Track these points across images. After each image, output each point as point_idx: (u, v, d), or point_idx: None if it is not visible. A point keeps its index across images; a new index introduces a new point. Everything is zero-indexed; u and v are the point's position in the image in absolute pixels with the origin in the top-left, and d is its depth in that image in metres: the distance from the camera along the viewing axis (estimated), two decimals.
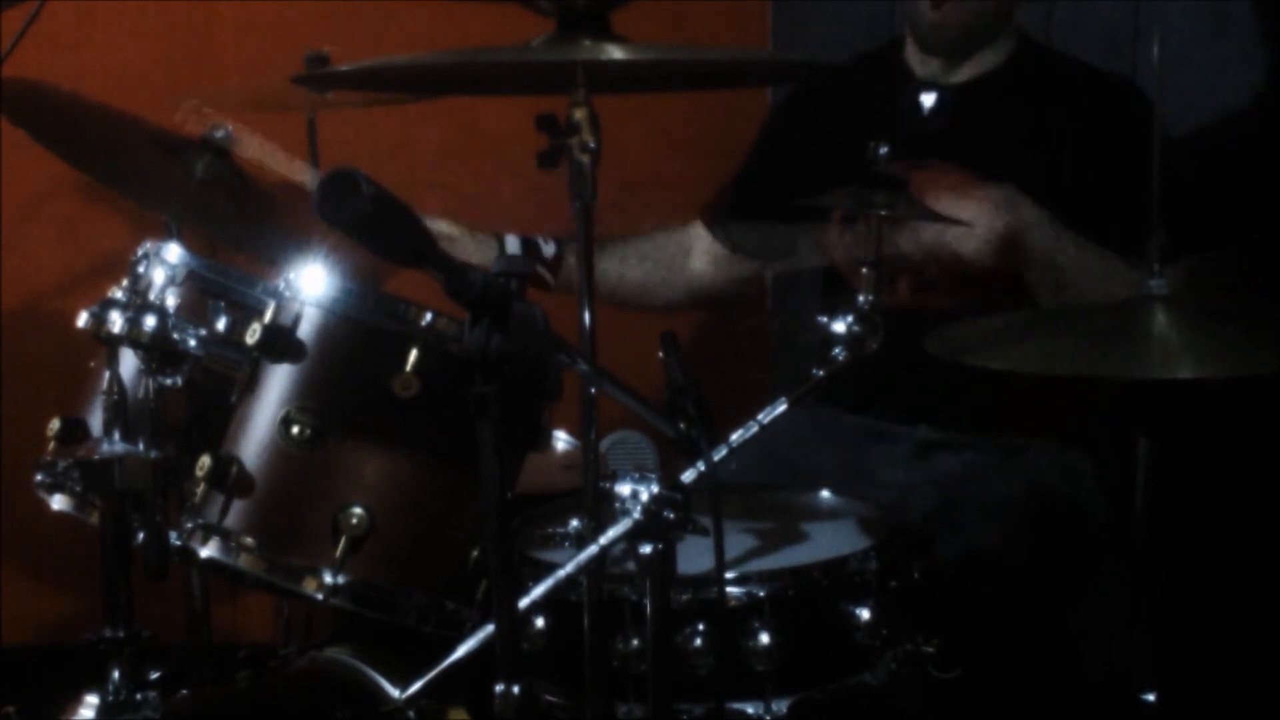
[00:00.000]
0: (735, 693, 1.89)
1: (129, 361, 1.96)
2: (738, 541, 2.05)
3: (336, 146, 2.93)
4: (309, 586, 1.90)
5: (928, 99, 2.58)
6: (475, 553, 1.95)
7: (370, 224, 1.42)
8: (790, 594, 1.92)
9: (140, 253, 2.10)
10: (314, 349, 1.92)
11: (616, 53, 1.68)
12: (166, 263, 2.05)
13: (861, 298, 2.06)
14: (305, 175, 2.51)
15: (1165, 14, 2.88)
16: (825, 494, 2.30)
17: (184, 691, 2.10)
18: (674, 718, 1.79)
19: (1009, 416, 2.46)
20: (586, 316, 1.69)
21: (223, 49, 3.32)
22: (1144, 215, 1.79)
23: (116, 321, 1.94)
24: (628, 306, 2.77)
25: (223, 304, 2.00)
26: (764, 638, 1.88)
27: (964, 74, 2.56)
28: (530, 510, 2.17)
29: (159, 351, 1.92)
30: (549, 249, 2.59)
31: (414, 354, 1.89)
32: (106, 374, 1.94)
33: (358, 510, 1.89)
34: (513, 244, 2.58)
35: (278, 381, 1.93)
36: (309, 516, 1.91)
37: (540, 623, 1.93)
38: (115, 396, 1.94)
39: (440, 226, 2.57)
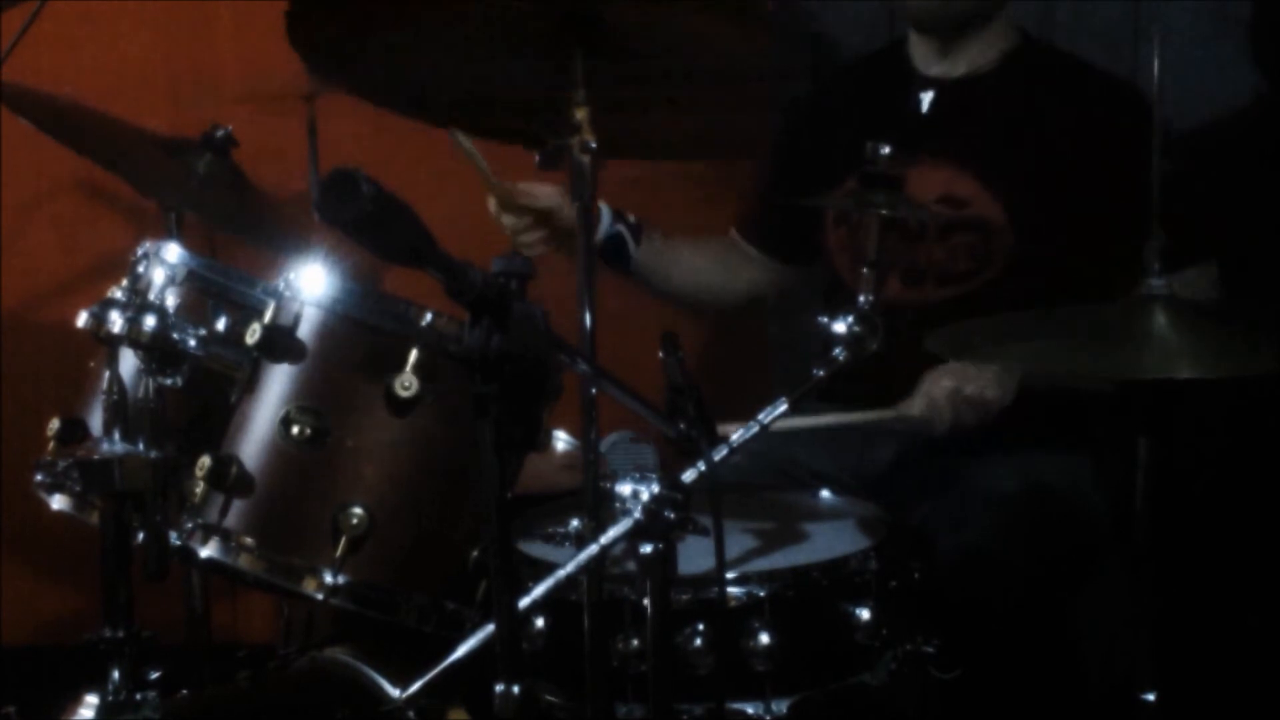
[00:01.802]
0: (735, 693, 1.89)
1: (129, 361, 1.96)
2: (738, 541, 2.05)
3: (336, 146, 2.93)
4: (309, 586, 1.90)
5: (926, 94, 2.58)
6: (475, 553, 1.95)
7: (370, 224, 1.42)
8: (790, 594, 1.92)
9: (140, 253, 2.10)
10: (314, 349, 1.92)
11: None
12: (166, 263, 2.05)
13: (861, 298, 2.06)
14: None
15: (1165, 14, 2.88)
16: (825, 494, 2.30)
17: (184, 691, 2.10)
18: (674, 718, 1.79)
19: (1009, 414, 2.46)
20: (587, 316, 1.69)
21: (223, 49, 3.31)
22: (1143, 216, 1.78)
23: (116, 321, 1.94)
24: (690, 301, 2.79)
25: (223, 304, 2.00)
26: (764, 638, 1.88)
27: (962, 67, 2.56)
28: (530, 510, 2.17)
29: (159, 351, 1.92)
30: (631, 219, 2.60)
31: (414, 354, 1.89)
32: (106, 374, 1.94)
33: (358, 510, 1.89)
34: (604, 211, 2.58)
35: (278, 381, 1.93)
36: (309, 516, 1.91)
37: (540, 623, 1.93)
38: (115, 396, 1.94)
39: (538, 188, 2.54)
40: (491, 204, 2.45)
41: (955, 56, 2.57)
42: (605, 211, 2.56)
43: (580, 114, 1.66)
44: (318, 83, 2.77)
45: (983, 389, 2.33)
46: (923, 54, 2.61)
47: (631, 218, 2.57)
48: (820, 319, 2.07)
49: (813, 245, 2.75)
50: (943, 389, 2.31)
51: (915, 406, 2.33)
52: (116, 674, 1.96)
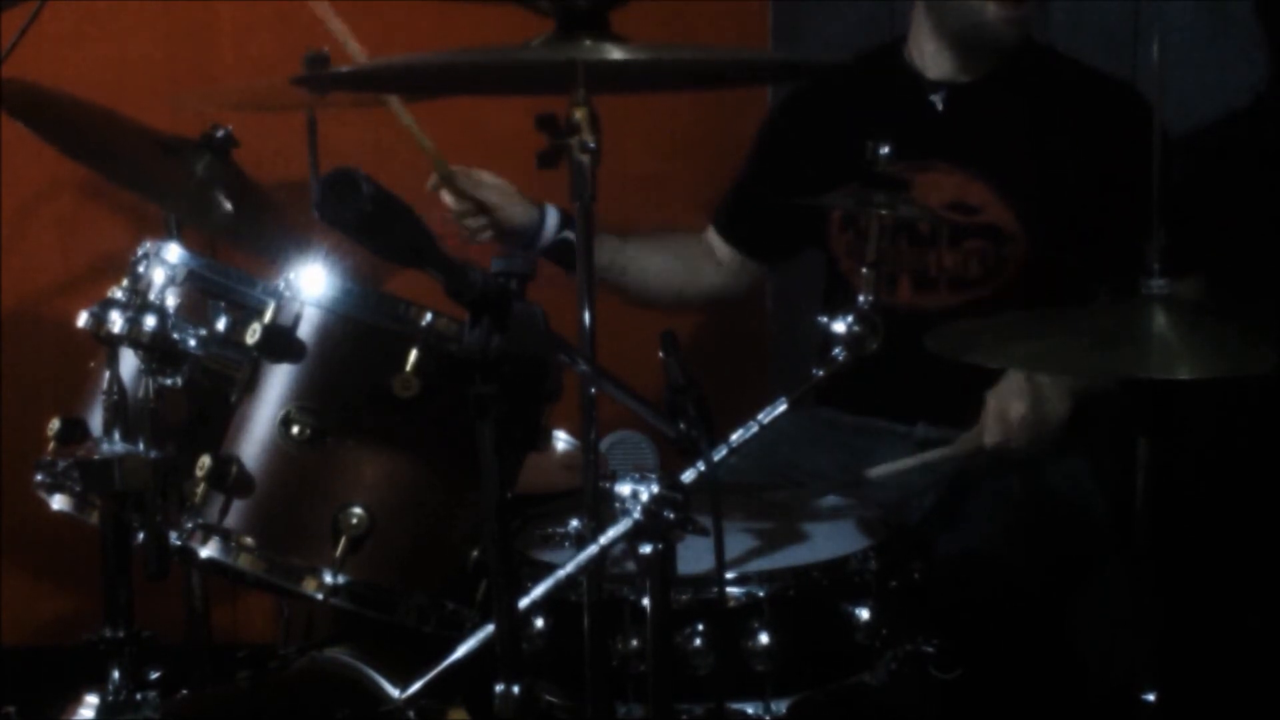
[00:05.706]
0: (735, 693, 1.89)
1: (129, 361, 1.96)
2: (738, 541, 2.05)
3: (336, 146, 2.93)
4: (309, 586, 1.90)
5: (936, 99, 2.56)
6: (475, 553, 1.95)
7: (370, 224, 1.42)
8: (790, 594, 1.92)
9: (140, 253, 2.10)
10: (314, 349, 1.92)
11: (616, 53, 1.68)
12: (166, 263, 2.05)
13: (861, 298, 2.06)
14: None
15: (1165, 14, 2.88)
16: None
17: (184, 691, 2.10)
18: (674, 718, 1.79)
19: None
20: (586, 316, 1.69)
21: (223, 49, 3.31)
22: (1144, 217, 1.78)
23: (116, 321, 1.94)
24: (649, 300, 2.74)
25: (223, 304, 2.00)
26: (764, 638, 1.88)
27: (973, 72, 2.54)
28: (530, 510, 2.17)
29: (159, 351, 1.92)
30: None
31: (414, 354, 1.89)
32: (106, 374, 1.94)
33: (358, 510, 1.89)
34: (552, 214, 2.57)
35: (278, 381, 1.93)
36: (309, 516, 1.91)
37: (540, 623, 1.93)
38: (115, 396, 1.94)
39: (486, 177, 2.55)
40: (432, 179, 2.46)
41: (970, 63, 2.54)
42: (554, 214, 2.55)
43: (580, 114, 1.65)
44: (315, 94, 2.77)
45: (1056, 410, 2.30)
46: (935, 59, 2.56)
47: None
48: (820, 319, 2.07)
49: (793, 244, 2.75)
50: (1017, 414, 2.28)
51: (989, 435, 2.29)
52: (116, 674, 1.97)
